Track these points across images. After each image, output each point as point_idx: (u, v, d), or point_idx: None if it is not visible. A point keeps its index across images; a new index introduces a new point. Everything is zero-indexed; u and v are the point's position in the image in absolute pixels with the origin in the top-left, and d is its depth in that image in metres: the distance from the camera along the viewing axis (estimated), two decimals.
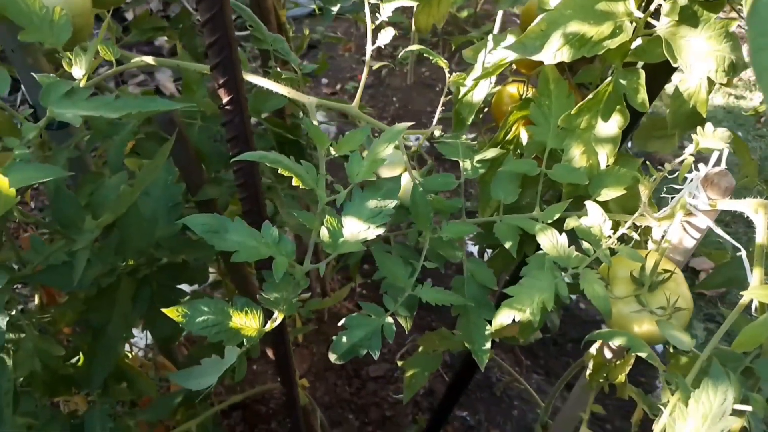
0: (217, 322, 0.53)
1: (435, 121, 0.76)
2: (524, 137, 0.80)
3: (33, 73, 0.53)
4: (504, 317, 0.55)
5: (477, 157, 0.72)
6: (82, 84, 0.52)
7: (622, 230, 0.60)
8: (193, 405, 1.21)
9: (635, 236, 0.62)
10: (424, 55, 0.76)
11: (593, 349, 0.83)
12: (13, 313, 0.47)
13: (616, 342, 0.58)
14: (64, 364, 0.94)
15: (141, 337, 1.47)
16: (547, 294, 0.54)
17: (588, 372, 0.76)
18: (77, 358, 0.96)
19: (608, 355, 0.81)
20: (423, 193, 0.64)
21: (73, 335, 0.98)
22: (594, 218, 0.58)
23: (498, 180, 0.70)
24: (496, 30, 2.39)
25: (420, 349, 1.15)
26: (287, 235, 1.81)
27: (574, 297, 1.37)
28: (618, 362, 0.75)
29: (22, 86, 0.78)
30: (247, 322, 0.55)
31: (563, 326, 2.20)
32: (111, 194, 0.60)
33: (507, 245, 0.65)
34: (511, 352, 2.04)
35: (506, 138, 0.80)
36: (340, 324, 0.61)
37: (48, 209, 0.66)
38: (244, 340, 0.55)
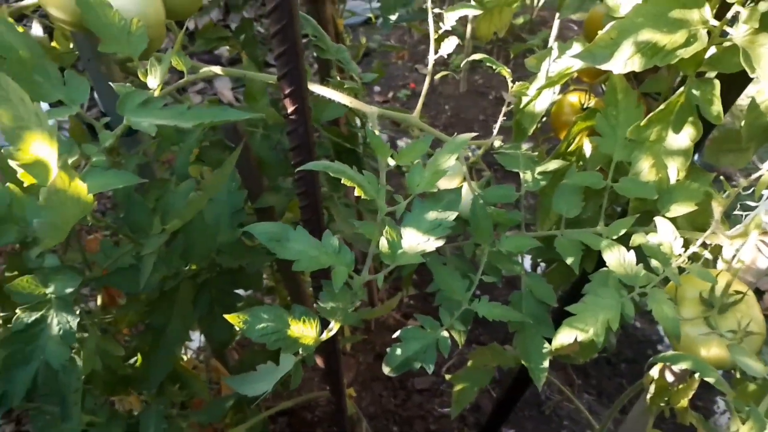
0: (276, 329, 0.53)
1: (495, 131, 0.75)
2: (587, 149, 0.77)
3: (110, 83, 0.55)
4: (565, 336, 0.53)
5: (538, 169, 0.71)
6: (156, 93, 0.54)
7: (692, 248, 0.57)
8: (243, 409, 1.23)
9: (707, 254, 0.59)
10: (484, 63, 0.75)
11: (654, 372, 0.80)
12: (78, 312, 0.49)
13: (682, 366, 0.55)
14: (123, 365, 0.97)
15: (194, 340, 1.50)
16: (613, 313, 0.52)
17: (648, 395, 0.73)
18: (135, 358, 0.99)
19: (670, 378, 0.77)
20: (483, 206, 0.63)
21: (132, 336, 1.01)
22: (664, 235, 0.56)
23: (560, 193, 0.68)
24: (552, 37, 2.35)
25: (469, 363, 1.13)
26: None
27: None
28: (681, 387, 0.72)
29: (95, 94, 0.82)
30: (304, 331, 0.55)
31: (617, 345, 2.13)
32: (179, 201, 0.62)
33: (569, 261, 0.63)
34: (563, 370, 1.99)
35: (568, 149, 0.78)
36: (394, 336, 0.61)
37: (111, 213, 0.69)
38: (301, 348, 0.55)
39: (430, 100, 3.38)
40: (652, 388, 0.72)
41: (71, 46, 0.92)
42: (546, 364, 0.63)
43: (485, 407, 1.89)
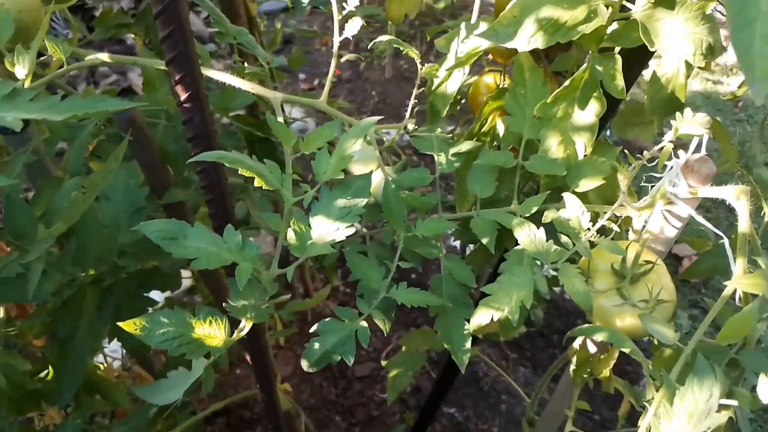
0: (179, 333, 0.50)
1: (408, 114, 0.73)
2: (501, 128, 0.77)
3: None
4: (481, 317, 0.53)
5: (452, 151, 0.70)
6: (26, 84, 0.48)
7: (601, 222, 0.58)
8: (173, 414, 1.18)
9: (615, 227, 0.60)
10: (397, 46, 0.73)
11: (577, 344, 0.81)
12: None
13: (599, 337, 0.55)
14: (32, 379, 0.90)
15: (117, 348, 1.42)
16: (526, 291, 0.52)
17: (572, 368, 0.74)
18: (46, 371, 0.92)
19: (592, 349, 0.79)
20: (395, 190, 0.62)
21: (42, 348, 0.94)
22: (572, 210, 0.56)
23: (473, 173, 0.68)
24: (473, 20, 2.37)
25: (403, 348, 1.12)
26: (266, 237, 1.76)
27: (558, 289, 1.36)
28: (602, 357, 0.73)
29: None
30: (211, 332, 0.52)
31: (548, 318, 2.20)
32: (65, 201, 0.57)
33: (484, 241, 0.63)
34: (497, 346, 2.03)
35: (482, 130, 0.78)
36: (311, 330, 0.59)
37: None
38: (210, 351, 0.52)
39: (357, 86, 3.35)
40: (574, 360, 0.73)
41: None
42: (468, 345, 0.62)
43: (425, 389, 1.91)
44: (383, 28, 2.93)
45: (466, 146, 0.69)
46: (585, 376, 0.74)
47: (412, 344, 1.04)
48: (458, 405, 1.89)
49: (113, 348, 1.41)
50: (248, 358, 1.13)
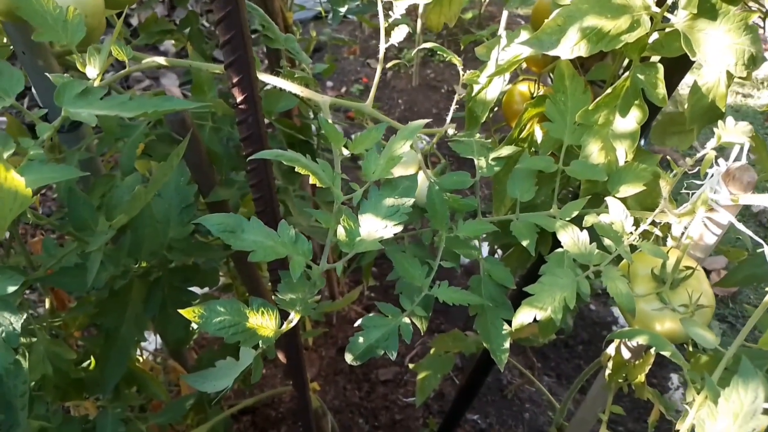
0: (234, 322, 0.52)
1: (448, 119, 0.75)
2: (538, 135, 0.79)
3: (47, 74, 0.52)
4: (525, 316, 0.54)
5: (492, 155, 0.71)
6: (96, 84, 0.51)
7: (643, 226, 0.59)
8: (204, 409, 1.21)
9: (657, 232, 0.61)
10: (436, 58, 0.75)
11: (611, 349, 0.82)
12: (24, 317, 0.47)
13: (639, 340, 0.56)
14: (76, 368, 0.94)
15: (150, 341, 1.46)
16: (569, 292, 0.53)
17: (607, 372, 0.75)
18: (88, 362, 0.96)
19: (626, 354, 0.80)
20: (440, 192, 0.63)
21: (84, 339, 0.97)
22: (615, 214, 0.57)
23: (514, 178, 0.69)
24: (501, 31, 2.40)
25: (432, 351, 1.14)
26: None
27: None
28: (637, 362, 0.74)
29: (33, 89, 0.78)
30: (263, 323, 0.54)
31: (574, 328, 2.19)
32: (125, 195, 0.60)
33: (524, 243, 0.64)
34: (523, 354, 2.03)
35: (520, 136, 0.79)
36: (356, 324, 0.60)
37: (56, 214, 0.66)
38: (260, 341, 0.54)
39: (384, 95, 3.38)
40: (610, 365, 0.74)
41: (4, 40, 0.87)
42: (507, 345, 0.64)
43: (449, 394, 1.92)
44: (410, 37, 2.96)
45: (506, 151, 0.71)
46: (620, 381, 0.74)
47: (442, 347, 1.05)
48: (481, 412, 1.89)
49: (145, 342, 1.45)
50: (281, 356, 1.15)
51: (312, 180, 0.52)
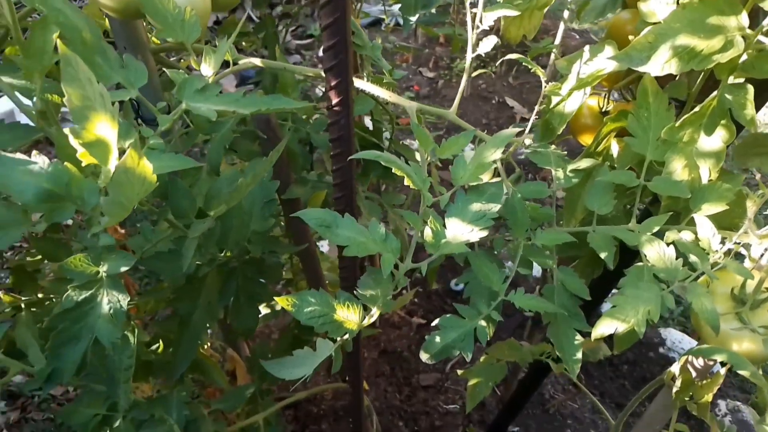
0: (323, 313, 0.54)
1: (528, 129, 0.76)
2: (615, 149, 0.79)
3: (165, 69, 0.56)
4: (606, 327, 0.55)
5: (570, 167, 0.72)
6: (211, 80, 0.55)
7: (728, 245, 0.59)
8: (254, 400, 1.24)
9: (744, 251, 0.61)
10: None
11: (675, 368, 0.81)
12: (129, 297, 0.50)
13: (718, 358, 0.56)
14: (147, 351, 0.98)
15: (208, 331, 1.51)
16: (653, 305, 0.54)
17: (675, 389, 0.74)
18: (157, 345, 1.00)
19: (692, 373, 0.79)
20: (521, 200, 0.65)
21: (156, 323, 1.02)
22: (704, 231, 0.58)
23: (593, 190, 0.70)
24: (557, 42, 2.39)
25: (482, 359, 1.14)
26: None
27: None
28: (706, 382, 0.73)
29: None
30: (349, 316, 0.56)
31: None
32: (224, 187, 0.63)
33: (602, 255, 0.65)
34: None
35: (597, 149, 0.80)
36: (434, 324, 0.62)
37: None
38: (347, 332, 0.56)
39: (434, 103, 3.40)
40: (678, 383, 0.74)
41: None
42: (579, 355, 0.64)
43: (489, 404, 1.91)
44: (463, 47, 2.98)
45: (585, 164, 0.72)
46: (687, 399, 0.74)
47: (497, 354, 1.06)
48: (523, 424, 1.88)
49: None
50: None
51: (407, 181, 0.54)
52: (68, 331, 0.52)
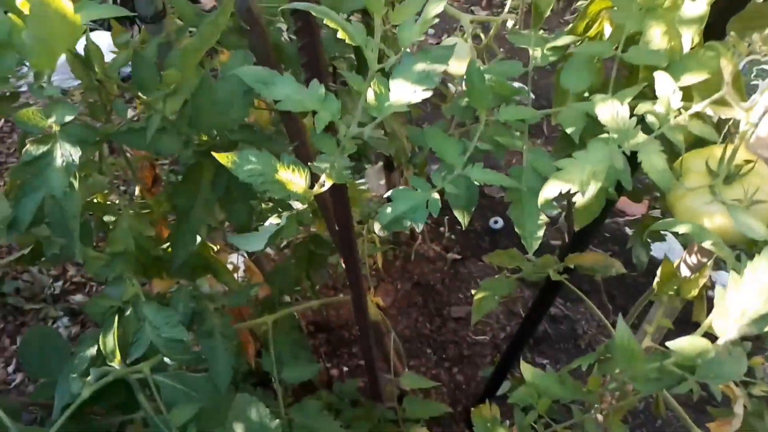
0: (263, 172, 0.55)
1: (506, 9, 0.73)
2: (607, 31, 0.74)
3: None
4: (550, 189, 0.52)
5: (548, 45, 0.68)
6: None
7: (696, 107, 0.54)
8: (275, 309, 1.29)
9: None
10: None
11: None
12: (81, 152, 0.53)
13: (680, 230, 0.53)
14: (155, 247, 1.04)
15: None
16: (600, 166, 0.51)
17: (656, 281, 0.71)
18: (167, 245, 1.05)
19: (685, 272, 0.75)
20: (479, 69, 0.62)
21: (168, 223, 1.07)
22: (662, 87, 0.53)
23: (569, 66, 0.66)
24: None
25: (487, 260, 1.13)
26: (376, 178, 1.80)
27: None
28: (692, 277, 0.69)
29: None
30: (292, 179, 0.57)
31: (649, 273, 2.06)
32: (176, 54, 0.65)
33: (569, 130, 0.62)
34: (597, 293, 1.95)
35: (587, 33, 0.75)
36: (385, 196, 0.62)
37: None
38: (291, 195, 0.57)
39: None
40: (658, 274, 0.70)
41: None
42: (540, 233, 0.62)
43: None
44: None
45: (564, 40, 0.68)
46: (671, 293, 0.70)
47: (497, 261, 1.04)
48: (553, 358, 1.86)
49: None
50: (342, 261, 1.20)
51: (341, 35, 0.53)
52: (28, 184, 0.55)
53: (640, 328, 0.89)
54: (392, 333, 1.44)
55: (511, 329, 1.92)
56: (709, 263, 0.68)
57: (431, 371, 1.82)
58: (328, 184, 0.60)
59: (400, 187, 0.61)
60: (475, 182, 0.61)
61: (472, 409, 1.26)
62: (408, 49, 0.57)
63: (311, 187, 0.60)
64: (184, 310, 0.99)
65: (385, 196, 0.61)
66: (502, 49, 0.75)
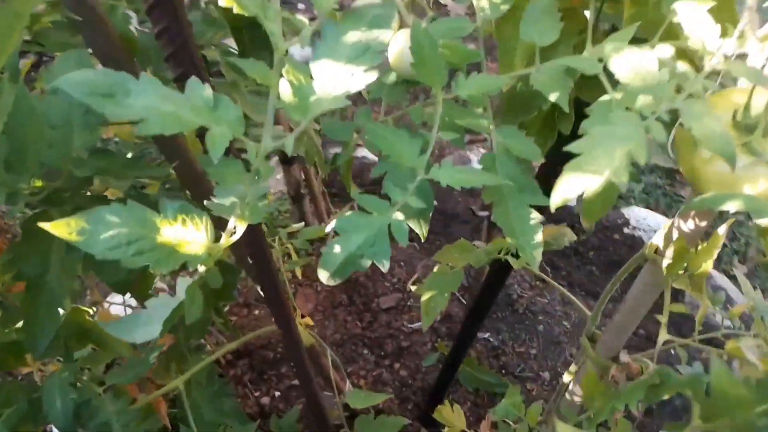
0: (136, 236, 0.34)
1: None
2: None
3: None
4: (571, 186, 0.36)
5: None
6: None
7: (727, 41, 0.40)
8: (186, 358, 1.06)
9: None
10: None
11: (657, 239, 0.66)
12: None
13: (732, 206, 0.39)
14: (6, 330, 0.78)
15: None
16: (635, 142, 0.35)
17: (666, 262, 0.58)
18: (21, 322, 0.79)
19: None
20: (428, 33, 0.44)
21: (12, 295, 0.80)
22: (692, 21, 0.38)
23: (529, 14, 0.50)
24: None
25: (435, 269, 0.98)
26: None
27: None
28: (702, 246, 0.57)
29: None
30: (186, 236, 0.36)
31: (583, 234, 2.05)
32: None
33: (553, 97, 0.46)
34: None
35: None
36: (327, 230, 0.43)
37: None
38: (188, 260, 0.37)
39: None
40: (669, 253, 0.57)
41: None
42: (539, 238, 0.47)
43: (456, 315, 1.79)
44: None
45: None
46: (680, 272, 0.58)
47: (447, 258, 0.89)
48: (493, 329, 1.78)
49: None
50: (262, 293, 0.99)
51: (236, 9, 0.33)
52: None
53: (626, 297, 0.78)
54: (327, 350, 1.26)
55: (447, 308, 1.81)
56: (723, 231, 0.57)
57: (372, 374, 1.67)
58: (242, 228, 0.40)
59: (348, 214, 0.43)
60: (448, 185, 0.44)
61: (434, 414, 1.13)
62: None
63: (217, 239, 0.39)
64: (62, 407, 0.75)
65: (328, 229, 0.42)
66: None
